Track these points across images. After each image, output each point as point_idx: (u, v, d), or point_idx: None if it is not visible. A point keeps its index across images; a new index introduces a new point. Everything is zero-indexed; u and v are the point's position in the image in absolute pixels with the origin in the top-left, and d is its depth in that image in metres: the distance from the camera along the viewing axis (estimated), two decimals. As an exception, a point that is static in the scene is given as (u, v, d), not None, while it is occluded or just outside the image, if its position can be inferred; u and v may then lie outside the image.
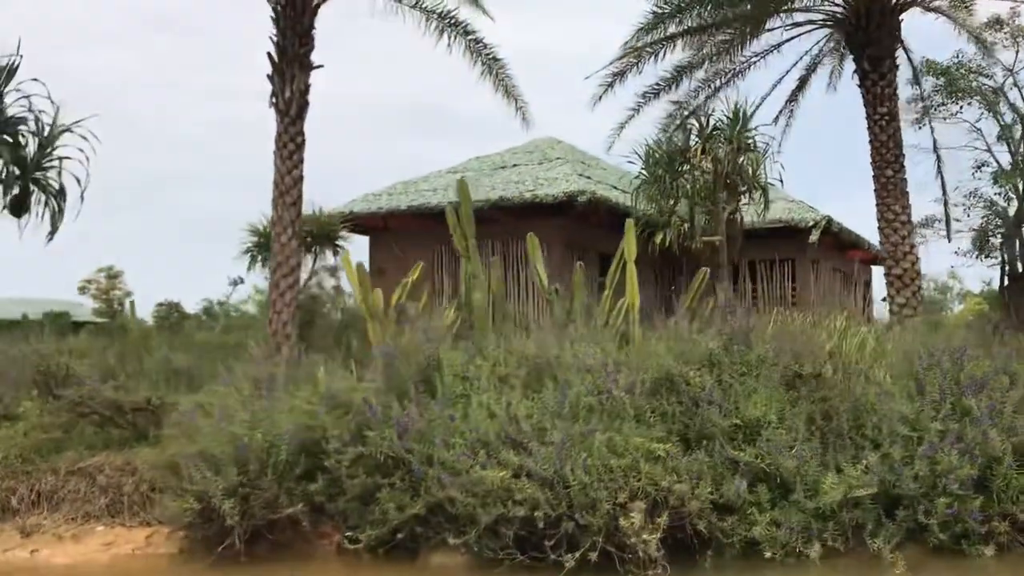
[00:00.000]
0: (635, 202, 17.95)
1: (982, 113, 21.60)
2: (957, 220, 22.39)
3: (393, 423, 6.84)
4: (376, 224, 20.18)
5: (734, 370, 7.40)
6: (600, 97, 14.02)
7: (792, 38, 14.65)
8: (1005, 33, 20.97)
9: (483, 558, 6.51)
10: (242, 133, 69.48)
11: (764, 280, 23.45)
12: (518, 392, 7.21)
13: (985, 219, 21.81)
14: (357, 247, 19.68)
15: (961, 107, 21.60)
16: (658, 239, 17.56)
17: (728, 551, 6.60)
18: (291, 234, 11.90)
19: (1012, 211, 21.99)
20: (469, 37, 12.76)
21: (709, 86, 15.13)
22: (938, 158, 15.98)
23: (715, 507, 6.66)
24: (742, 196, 19.49)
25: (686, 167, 18.55)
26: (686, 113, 15.68)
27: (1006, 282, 22.67)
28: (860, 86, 13.63)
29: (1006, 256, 22.60)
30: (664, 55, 13.75)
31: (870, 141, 13.54)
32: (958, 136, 22.64)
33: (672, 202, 17.78)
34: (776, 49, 14.74)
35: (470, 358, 7.57)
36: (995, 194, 21.76)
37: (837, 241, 24.58)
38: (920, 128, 21.93)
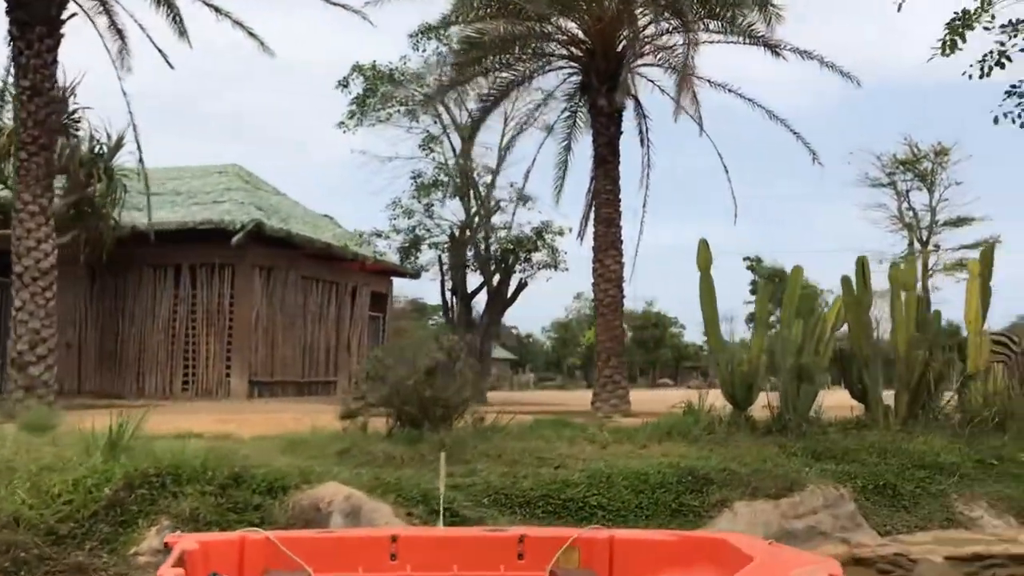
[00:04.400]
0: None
1: (411, 121, 21.02)
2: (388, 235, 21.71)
3: None
4: None
5: None
6: None
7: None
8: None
9: None
10: None
11: (205, 287, 21.88)
12: None
13: (410, 231, 21.22)
14: None
15: (390, 114, 20.95)
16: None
17: None
18: None
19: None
20: None
21: None
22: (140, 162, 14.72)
23: None
24: (91, 186, 17.76)
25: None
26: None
27: (452, 302, 22.18)
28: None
29: (450, 274, 22.15)
30: None
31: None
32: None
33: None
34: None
35: None
36: (424, 205, 21.23)
37: (322, 249, 23.44)
38: (347, 131, 21.17)
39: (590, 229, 14.42)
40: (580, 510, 7.17)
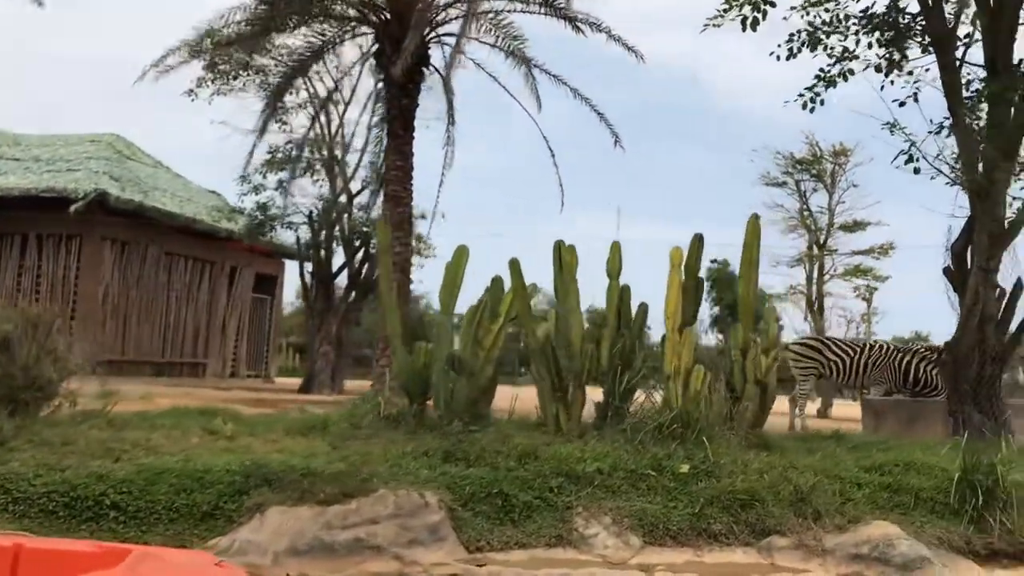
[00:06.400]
0: None
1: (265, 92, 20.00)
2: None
3: None
4: None
5: None
6: None
7: None
8: None
9: None
10: None
11: (51, 258, 21.01)
12: None
13: (257, 208, 20.32)
14: None
15: (244, 83, 20.00)
16: None
17: None
18: None
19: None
20: None
21: None
22: None
23: None
24: None
25: None
26: None
27: (311, 284, 21.27)
28: None
29: (310, 255, 21.27)
30: None
31: None
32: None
33: None
34: None
35: None
36: (277, 181, 20.32)
37: (186, 224, 22.54)
38: (195, 99, 20.21)
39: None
40: (88, 510, 6.17)
